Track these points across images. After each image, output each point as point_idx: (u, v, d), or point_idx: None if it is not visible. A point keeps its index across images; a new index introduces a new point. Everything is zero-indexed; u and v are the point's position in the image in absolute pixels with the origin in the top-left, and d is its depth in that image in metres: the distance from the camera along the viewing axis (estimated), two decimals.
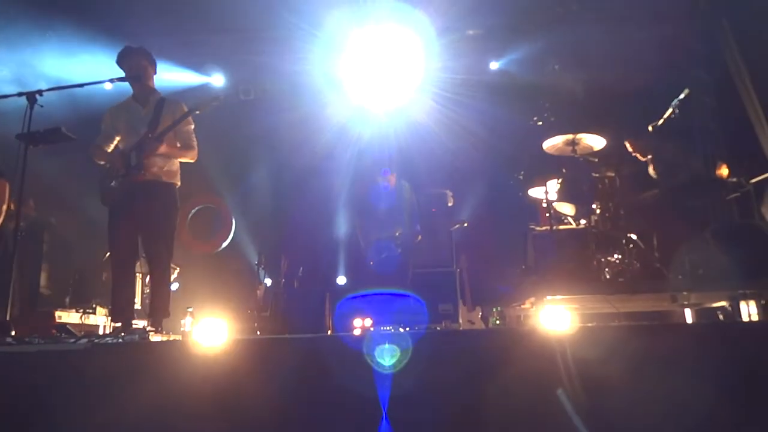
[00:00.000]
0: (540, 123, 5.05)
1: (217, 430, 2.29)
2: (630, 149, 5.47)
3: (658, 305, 4.87)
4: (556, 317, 3.41)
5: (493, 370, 2.30)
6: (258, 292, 6.98)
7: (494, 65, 7.76)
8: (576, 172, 5.12)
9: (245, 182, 8.22)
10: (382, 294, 5.31)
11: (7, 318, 3.51)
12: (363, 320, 5.65)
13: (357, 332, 5.24)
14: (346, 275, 7.68)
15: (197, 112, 4.11)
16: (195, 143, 4.22)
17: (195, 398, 2.31)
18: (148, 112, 4.09)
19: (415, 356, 2.36)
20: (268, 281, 7.20)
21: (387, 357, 2.32)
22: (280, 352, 2.51)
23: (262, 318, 6.53)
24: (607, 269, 4.73)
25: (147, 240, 4.02)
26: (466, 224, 7.12)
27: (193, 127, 4.23)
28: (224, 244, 8.54)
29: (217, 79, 8.18)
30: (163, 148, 3.99)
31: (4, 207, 4.82)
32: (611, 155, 5.27)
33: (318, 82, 7.70)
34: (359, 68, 7.63)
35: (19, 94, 3.75)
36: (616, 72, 6.33)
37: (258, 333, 6.17)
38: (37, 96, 3.75)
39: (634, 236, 4.80)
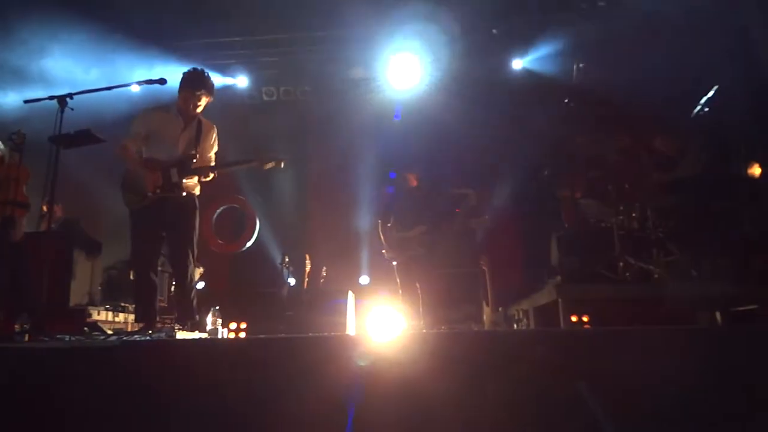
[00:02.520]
0: (565, 122, 4.99)
1: (241, 426, 2.32)
2: (659, 147, 5.37)
3: (687, 309, 4.77)
4: (581, 318, 3.37)
5: (518, 371, 2.29)
6: (282, 291, 7.05)
7: (518, 63, 7.70)
8: (602, 171, 5.05)
9: (269, 183, 8.30)
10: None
11: (41, 315, 3.61)
12: (388, 321, 5.66)
13: (380, 332, 5.25)
14: (370, 275, 7.70)
15: (259, 165, 4.16)
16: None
17: (219, 395, 2.34)
18: (190, 133, 4.14)
19: (435, 357, 2.35)
20: (291, 281, 7.26)
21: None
22: (304, 351, 2.53)
23: (286, 317, 6.58)
24: (633, 270, 4.66)
25: (172, 246, 4.10)
26: (489, 223, 7.07)
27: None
28: (248, 244, 8.64)
29: (241, 81, 8.29)
30: (210, 178, 4.13)
31: (24, 188, 4.95)
32: (639, 153, 5.18)
33: (341, 82, 7.74)
34: (383, 68, 7.66)
35: (50, 98, 3.84)
36: (643, 68, 6.22)
37: (282, 332, 6.23)
38: (68, 99, 3.84)
39: (662, 237, 4.72)
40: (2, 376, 2.45)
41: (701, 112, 4.71)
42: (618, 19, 6.48)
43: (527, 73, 7.65)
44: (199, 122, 4.20)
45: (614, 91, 6.37)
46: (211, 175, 4.16)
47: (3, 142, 5.30)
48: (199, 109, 4.17)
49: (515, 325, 6.28)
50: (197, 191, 4.25)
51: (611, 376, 2.20)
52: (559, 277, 4.86)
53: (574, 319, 4.33)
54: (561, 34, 6.93)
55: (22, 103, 3.91)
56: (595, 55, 6.36)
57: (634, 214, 4.88)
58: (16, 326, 4.64)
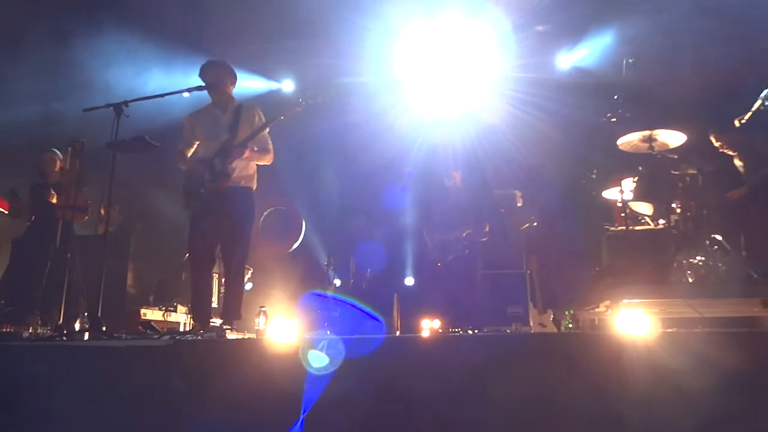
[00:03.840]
0: (614, 119, 4.83)
1: (288, 425, 2.36)
2: (716, 144, 5.15)
3: (747, 311, 4.55)
4: (633, 322, 3.26)
5: (567, 375, 2.24)
6: (328, 292, 7.12)
7: (564, 61, 7.54)
8: (653, 170, 4.88)
9: (315, 185, 8.40)
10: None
11: (99, 314, 3.76)
12: (432, 321, 5.64)
13: (425, 333, 5.23)
14: (414, 276, 7.68)
15: (282, 118, 4.26)
16: (271, 146, 4.38)
17: (268, 394, 2.39)
18: (228, 119, 4.25)
19: (483, 359, 2.33)
20: (337, 282, 7.32)
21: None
22: (353, 351, 2.55)
23: (331, 318, 6.64)
24: (689, 272, 4.48)
25: (226, 243, 4.17)
26: (535, 223, 6.94)
27: (268, 129, 4.37)
28: (295, 246, 8.77)
29: (287, 85, 8.43)
30: (247, 153, 4.14)
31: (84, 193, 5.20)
32: (692, 151, 4.98)
33: (386, 83, 7.76)
34: (427, 69, 7.63)
35: (107, 106, 4.01)
36: (696, 63, 5.99)
37: (328, 332, 6.29)
38: (123, 107, 4.00)
39: (718, 237, 4.52)
40: (64, 370, 2.58)
41: (762, 107, 4.48)
42: (670, 11, 6.25)
43: (574, 70, 7.48)
44: (239, 108, 4.28)
45: (667, 86, 6.16)
46: (246, 153, 4.13)
47: (59, 149, 5.58)
48: (227, 91, 4.29)
49: (563, 328, 6.14)
50: (253, 184, 4.30)
51: (670, 381, 2.12)
52: (609, 279, 4.72)
53: (625, 321, 4.20)
54: (610, 28, 6.74)
55: (81, 111, 4.08)
56: (646, 49, 6.15)
57: (689, 214, 4.69)
58: (76, 325, 4.87)
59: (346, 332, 5.17)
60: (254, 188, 4.33)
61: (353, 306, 4.78)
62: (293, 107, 4.29)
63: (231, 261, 4.15)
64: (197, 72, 4.35)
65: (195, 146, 4.36)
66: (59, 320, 4.40)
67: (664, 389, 2.13)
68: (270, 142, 4.38)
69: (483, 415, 2.24)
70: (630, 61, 4.87)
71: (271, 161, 4.40)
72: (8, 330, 4.30)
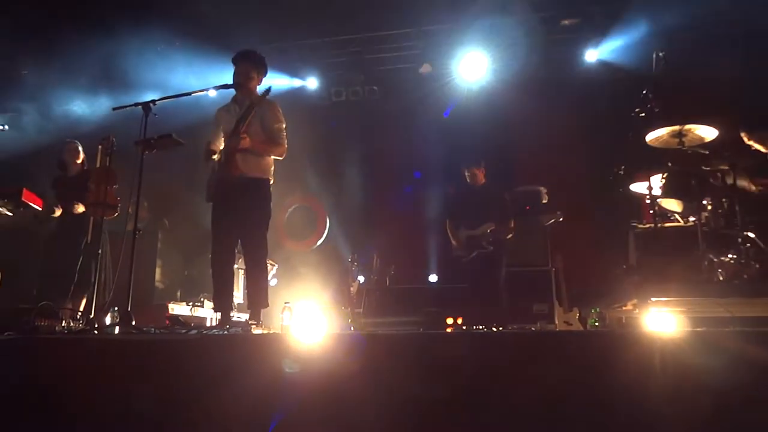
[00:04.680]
0: (642, 114, 4.74)
1: (313, 420, 2.38)
2: (747, 140, 5.01)
3: None
4: (661, 320, 3.20)
5: (594, 374, 2.21)
6: (351, 289, 7.15)
7: (591, 55, 7.43)
8: (683, 166, 4.77)
9: (338, 182, 8.44)
10: None
11: (129, 309, 3.85)
12: (455, 319, 5.63)
13: (449, 330, 5.22)
14: (438, 273, 7.67)
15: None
16: (284, 140, 4.30)
17: (293, 389, 2.41)
18: (243, 114, 4.23)
19: (507, 355, 2.31)
20: (361, 278, 7.35)
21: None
22: (372, 348, 2.56)
23: (355, 314, 6.68)
24: (720, 270, 4.37)
25: (242, 234, 4.21)
26: (561, 219, 6.85)
27: (284, 125, 4.34)
28: (319, 242, 8.83)
29: (311, 82, 8.48)
30: (245, 143, 4.08)
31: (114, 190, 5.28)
32: (724, 147, 4.85)
33: (409, 80, 7.75)
34: (451, 64, 7.60)
35: (136, 104, 4.08)
36: (729, 56, 5.84)
37: (352, 329, 6.32)
38: (151, 105, 4.07)
39: (751, 234, 4.40)
40: (96, 363, 2.64)
41: None
42: (702, 2, 6.10)
43: (601, 65, 7.36)
44: (255, 103, 4.25)
45: (698, 80, 6.01)
46: (243, 142, 4.09)
47: (90, 146, 5.66)
48: (250, 87, 4.29)
49: (589, 326, 6.07)
50: (267, 175, 4.27)
51: (700, 381, 2.08)
52: (637, 277, 4.64)
53: (654, 320, 4.13)
54: (639, 20, 6.62)
55: (111, 110, 4.16)
56: (677, 42, 6.02)
57: (720, 210, 4.58)
58: (107, 319, 4.98)
59: None
60: (270, 180, 4.30)
61: None
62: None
63: (249, 252, 4.19)
64: (223, 69, 4.39)
65: (222, 140, 4.37)
66: (91, 314, 4.50)
67: (693, 388, 2.08)
68: (283, 137, 4.32)
69: (510, 415, 2.23)
70: (660, 54, 4.76)
71: (283, 156, 4.33)
72: (42, 323, 4.41)
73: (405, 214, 7.92)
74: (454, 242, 5.86)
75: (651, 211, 4.75)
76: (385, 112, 8.17)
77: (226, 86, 4.28)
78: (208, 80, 5.31)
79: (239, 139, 4.07)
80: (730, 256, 4.37)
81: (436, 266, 7.73)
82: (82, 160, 5.57)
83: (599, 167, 6.77)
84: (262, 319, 4.24)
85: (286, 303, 4.40)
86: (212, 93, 4.70)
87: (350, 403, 2.35)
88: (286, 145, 4.32)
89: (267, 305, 4.22)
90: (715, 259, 4.38)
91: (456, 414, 2.27)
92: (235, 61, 4.33)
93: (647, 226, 5.02)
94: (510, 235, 5.79)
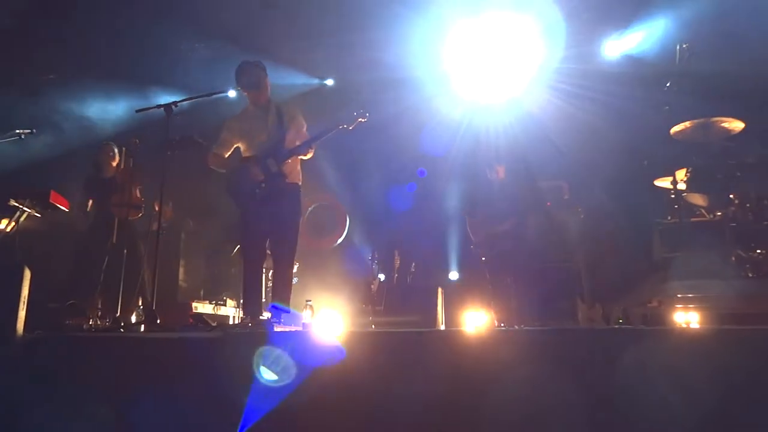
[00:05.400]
0: (667, 107, 4.65)
1: (335, 416, 2.39)
2: None
3: None
4: (685, 317, 3.15)
5: (621, 372, 2.18)
6: (372, 286, 7.17)
7: (613, 48, 7.31)
8: (709, 160, 4.68)
9: (358, 180, 8.45)
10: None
11: (153, 307, 3.92)
12: (477, 315, 5.59)
13: (470, 328, 5.19)
14: (458, 270, 7.64)
15: (348, 127, 4.29)
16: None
17: (315, 385, 2.43)
18: (273, 119, 4.28)
19: (529, 354, 2.30)
20: (381, 276, 7.36)
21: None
22: (397, 346, 2.57)
23: (376, 312, 6.69)
24: (747, 266, 4.28)
25: (275, 239, 4.26)
26: (582, 214, 6.77)
27: (306, 128, 4.41)
28: (339, 240, 8.86)
29: (329, 82, 8.50)
30: (311, 153, 4.22)
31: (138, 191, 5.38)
32: (752, 139, 4.75)
33: (428, 75, 7.71)
34: (470, 59, 7.54)
35: (158, 107, 4.15)
36: (758, 46, 5.69)
37: (373, 326, 6.34)
38: (173, 107, 4.13)
39: None
40: (122, 360, 2.69)
41: None
42: None
43: (623, 58, 7.24)
44: (280, 108, 4.31)
45: (723, 72, 5.87)
46: (309, 153, 4.24)
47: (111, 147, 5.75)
48: (266, 92, 4.31)
49: (614, 324, 5.99)
50: (299, 180, 4.35)
51: (727, 380, 2.04)
52: (662, 273, 4.57)
53: (680, 318, 4.06)
54: (661, 11, 6.49)
55: (134, 112, 4.23)
56: (701, 34, 5.89)
57: (747, 204, 4.48)
58: (133, 318, 5.08)
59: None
60: (300, 184, 4.39)
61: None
62: (357, 119, 4.31)
63: (281, 256, 4.24)
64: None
65: (233, 149, 4.39)
66: (117, 313, 4.59)
67: (719, 386, 2.05)
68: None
69: (540, 413, 2.21)
70: (684, 46, 4.67)
71: (311, 155, 4.41)
72: (71, 322, 4.52)
73: (426, 211, 7.89)
74: (474, 240, 5.83)
75: (676, 206, 4.68)
76: (404, 108, 8.13)
77: (246, 87, 4.30)
78: (228, 82, 5.37)
79: (306, 149, 4.17)
80: (758, 251, 4.28)
81: (457, 264, 7.70)
82: (117, 162, 5.69)
83: (621, 161, 6.67)
84: (283, 319, 4.28)
85: (307, 301, 4.44)
86: (232, 94, 4.75)
87: (372, 401, 2.36)
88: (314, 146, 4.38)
89: (288, 305, 4.26)
90: (743, 255, 4.30)
91: (473, 412, 2.26)
92: (243, 71, 4.29)
93: (672, 221, 4.94)
94: (531, 232, 5.74)
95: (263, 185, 4.12)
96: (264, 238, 4.27)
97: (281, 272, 4.26)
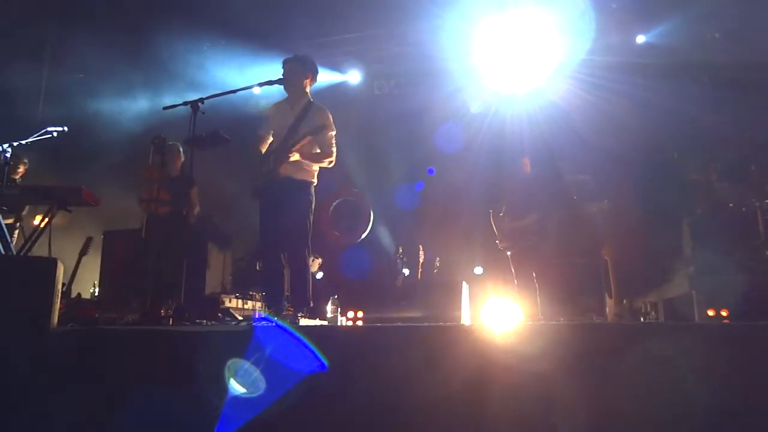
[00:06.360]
0: (703, 80, 4.54)
1: (362, 409, 2.41)
2: None
3: None
4: (718, 312, 3.08)
5: (654, 368, 2.15)
6: (397, 282, 7.17)
7: (641, 39, 7.16)
8: (742, 150, 4.56)
9: (383, 175, 8.44)
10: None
11: (182, 302, 3.98)
12: (501, 310, 5.55)
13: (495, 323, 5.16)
14: (483, 265, 7.59)
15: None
16: (333, 151, 4.32)
17: (338, 377, 2.46)
18: (294, 116, 4.31)
19: (555, 349, 2.28)
20: (406, 271, 7.35)
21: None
22: (421, 340, 2.57)
23: (401, 307, 6.68)
24: None
25: (284, 233, 4.27)
26: (608, 208, 6.65)
27: (334, 133, 4.35)
28: (363, 236, 8.87)
29: (353, 76, 8.50)
30: (294, 158, 4.16)
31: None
32: None
33: (453, 70, 7.65)
34: (496, 53, 7.46)
35: (185, 104, 4.19)
36: None
37: (398, 321, 6.34)
38: (199, 104, 4.17)
39: None
40: (152, 353, 2.75)
41: None
42: None
43: (652, 48, 7.08)
44: (308, 106, 4.31)
45: (757, 63, 5.70)
46: (302, 157, 4.17)
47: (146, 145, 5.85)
48: (300, 86, 4.32)
49: (642, 319, 5.89)
50: (311, 178, 4.31)
51: (756, 372, 2.00)
52: (692, 268, 4.48)
53: (710, 313, 3.98)
54: (693, 2, 6.32)
55: (161, 109, 4.29)
56: (734, 23, 5.71)
57: None
58: (162, 312, 5.16)
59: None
60: (314, 182, 4.33)
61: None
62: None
63: (291, 251, 4.26)
64: (268, 67, 4.45)
65: (270, 139, 4.43)
66: (147, 307, 4.67)
67: (752, 379, 2.00)
68: (334, 145, 4.32)
69: (571, 409, 2.19)
70: (716, 35, 4.55)
71: (332, 165, 4.35)
72: (102, 316, 4.62)
73: (451, 206, 7.85)
74: (499, 234, 5.79)
75: (707, 199, 4.58)
76: (428, 103, 8.09)
77: (270, 82, 4.34)
78: (252, 78, 5.39)
79: (286, 154, 4.14)
80: None
81: (481, 258, 7.65)
82: (183, 162, 5.82)
83: (649, 154, 6.54)
84: (308, 313, 4.31)
85: (333, 296, 4.46)
86: (257, 90, 4.77)
87: (399, 394, 2.36)
88: (335, 155, 4.33)
89: (310, 304, 4.27)
90: None
91: (498, 406, 2.25)
92: (283, 64, 4.37)
93: (703, 213, 4.83)
94: (557, 226, 5.68)
95: (262, 178, 4.21)
96: (275, 233, 4.28)
97: (296, 268, 4.28)
